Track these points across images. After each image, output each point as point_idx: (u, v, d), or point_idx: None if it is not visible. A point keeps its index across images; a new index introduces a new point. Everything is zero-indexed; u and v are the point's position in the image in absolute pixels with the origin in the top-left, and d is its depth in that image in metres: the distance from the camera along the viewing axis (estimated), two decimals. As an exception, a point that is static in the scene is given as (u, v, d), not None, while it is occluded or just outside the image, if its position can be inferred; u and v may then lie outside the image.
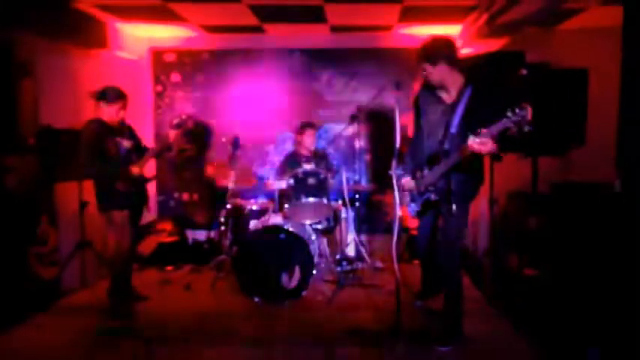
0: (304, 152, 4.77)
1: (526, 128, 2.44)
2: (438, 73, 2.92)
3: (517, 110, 2.44)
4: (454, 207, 2.90)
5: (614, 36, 3.02)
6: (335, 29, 5.29)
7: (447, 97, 3.00)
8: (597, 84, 3.31)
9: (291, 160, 4.76)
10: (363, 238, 5.25)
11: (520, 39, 4.29)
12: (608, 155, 3.16)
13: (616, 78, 2.90)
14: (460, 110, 2.89)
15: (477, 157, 2.80)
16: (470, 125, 2.73)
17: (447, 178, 2.93)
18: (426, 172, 3.10)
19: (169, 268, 4.86)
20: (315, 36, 5.49)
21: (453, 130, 2.88)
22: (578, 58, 3.49)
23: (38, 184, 3.88)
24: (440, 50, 2.89)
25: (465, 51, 5.05)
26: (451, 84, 2.96)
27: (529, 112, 2.41)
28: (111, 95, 3.55)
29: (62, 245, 4.08)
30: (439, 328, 3.15)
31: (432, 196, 3.09)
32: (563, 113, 3.24)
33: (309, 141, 4.74)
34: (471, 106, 2.87)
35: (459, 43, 5.20)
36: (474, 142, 2.62)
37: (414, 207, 3.28)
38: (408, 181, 3.25)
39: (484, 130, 2.59)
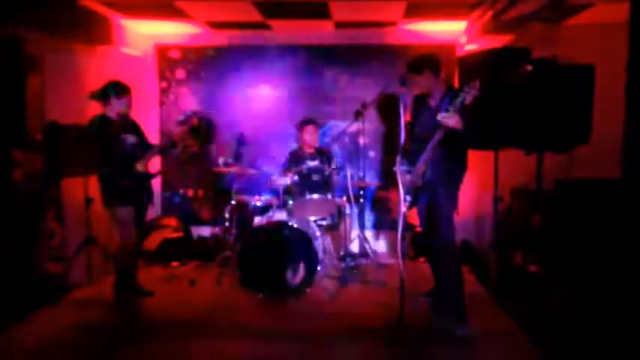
0: (308, 149, 4.77)
1: (474, 96, 2.94)
2: (425, 81, 3.31)
3: (470, 84, 2.94)
4: (441, 190, 3.22)
5: (621, 32, 2.99)
6: (340, 25, 5.28)
7: (432, 101, 3.35)
8: (603, 80, 3.28)
9: (295, 157, 4.76)
10: (369, 234, 5.25)
11: (526, 35, 4.26)
12: (612, 152, 3.14)
13: (622, 74, 2.88)
14: (442, 111, 3.16)
15: (454, 141, 3.13)
16: None
17: (432, 164, 3.19)
18: (418, 164, 3.21)
19: (174, 263, 4.88)
20: (320, 32, 5.48)
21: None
22: (584, 54, 3.47)
23: (44, 180, 3.90)
24: (425, 62, 3.31)
25: (470, 47, 5.03)
26: (435, 90, 3.34)
27: (477, 85, 2.92)
28: (120, 89, 3.58)
29: (68, 241, 4.11)
30: (446, 318, 3.21)
31: (419, 182, 3.22)
32: (568, 110, 3.22)
33: (309, 137, 4.74)
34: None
35: (463, 40, 5.19)
36: (441, 117, 3.00)
37: (407, 198, 3.33)
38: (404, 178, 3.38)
39: (449, 107, 3.03)
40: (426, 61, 3.34)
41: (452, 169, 3.28)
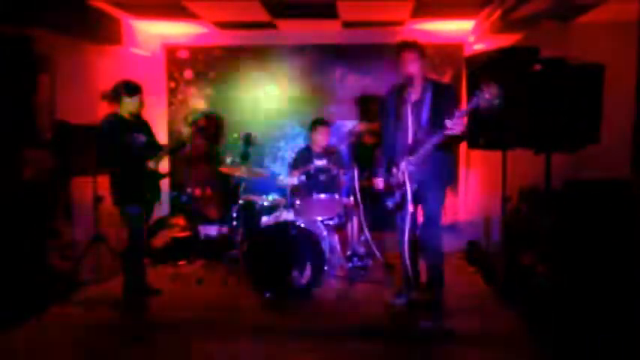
0: (317, 149, 4.78)
1: (496, 102, 2.69)
2: (415, 64, 3.12)
3: (483, 88, 2.69)
4: (436, 191, 3.20)
5: (631, 31, 2.97)
6: (347, 25, 5.28)
7: (413, 96, 3.17)
8: (613, 80, 3.25)
9: (304, 156, 4.76)
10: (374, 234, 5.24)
11: (535, 34, 4.23)
12: (622, 152, 3.11)
13: (632, 74, 2.86)
14: (427, 106, 3.13)
15: (450, 144, 3.07)
16: (436, 118, 3.01)
17: (426, 165, 3.11)
18: (404, 163, 3.14)
19: (182, 262, 4.91)
20: (327, 32, 5.48)
21: (423, 122, 3.11)
22: (594, 53, 3.44)
23: (54, 178, 3.94)
24: (413, 42, 3.15)
25: (477, 47, 5.01)
26: (417, 80, 3.16)
27: (495, 91, 2.65)
28: (132, 88, 3.60)
29: (77, 239, 4.14)
30: (432, 310, 3.24)
31: (411, 185, 3.14)
32: (577, 109, 3.20)
33: (321, 138, 4.73)
34: (434, 101, 3.13)
35: (471, 39, 5.17)
36: (448, 123, 2.84)
37: (392, 200, 3.30)
38: (379, 181, 3.42)
39: (457, 113, 2.85)
40: (414, 42, 3.15)
41: (446, 170, 3.26)
